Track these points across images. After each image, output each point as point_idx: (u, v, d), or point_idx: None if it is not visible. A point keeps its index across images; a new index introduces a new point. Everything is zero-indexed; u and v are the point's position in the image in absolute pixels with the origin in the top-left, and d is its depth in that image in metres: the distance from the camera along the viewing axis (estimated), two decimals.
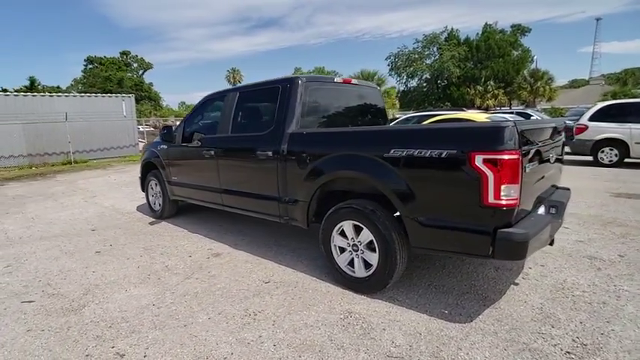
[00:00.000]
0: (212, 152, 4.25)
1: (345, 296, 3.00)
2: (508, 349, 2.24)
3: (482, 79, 34.56)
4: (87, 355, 2.31)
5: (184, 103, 68.47)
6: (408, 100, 39.37)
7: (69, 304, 2.99)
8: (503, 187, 2.22)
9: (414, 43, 39.90)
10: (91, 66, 61.66)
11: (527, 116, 17.40)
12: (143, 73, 68.12)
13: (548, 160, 2.80)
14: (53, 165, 13.70)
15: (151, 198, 5.83)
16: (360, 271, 3.03)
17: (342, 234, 3.11)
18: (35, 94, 14.40)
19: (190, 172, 4.81)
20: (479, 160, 2.25)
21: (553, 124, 2.78)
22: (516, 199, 2.27)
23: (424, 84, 40.07)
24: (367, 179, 2.84)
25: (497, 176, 2.21)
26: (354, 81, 4.17)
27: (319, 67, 62.61)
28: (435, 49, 38.80)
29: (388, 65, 39.56)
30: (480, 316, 2.65)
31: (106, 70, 59.52)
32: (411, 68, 38.40)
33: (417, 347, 2.30)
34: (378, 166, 2.74)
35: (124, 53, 65.51)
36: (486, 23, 38.64)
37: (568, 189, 3.55)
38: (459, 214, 2.42)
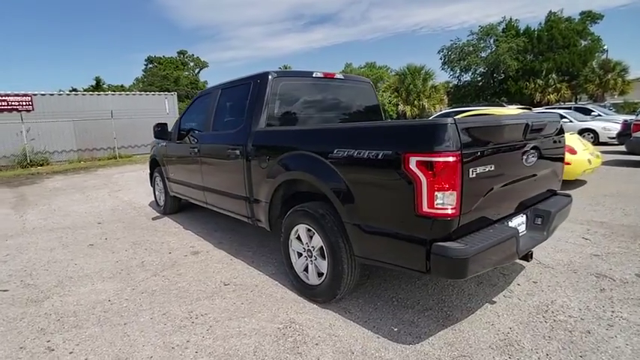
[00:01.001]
0: (196, 150, 4.30)
1: (296, 304, 2.86)
2: None
3: (543, 72, 31.77)
4: (21, 348, 2.42)
5: None
6: (461, 95, 37.44)
7: (35, 295, 3.18)
8: (437, 194, 1.94)
9: (469, 35, 37.73)
10: (151, 65, 66.24)
11: (587, 112, 15.70)
12: (199, 72, 72.07)
13: (523, 162, 2.42)
14: (100, 159, 14.94)
15: (157, 193, 6.07)
16: (313, 279, 2.86)
17: (299, 238, 2.96)
18: (84, 93, 15.76)
19: (182, 169, 4.92)
20: (413, 163, 1.99)
21: (525, 121, 2.38)
22: (454, 208, 1.97)
23: (479, 78, 37.83)
24: (313, 181, 2.66)
25: (431, 182, 1.94)
26: (338, 75, 3.96)
27: (370, 62, 61.99)
28: (491, 41, 36.42)
29: (440, 59, 37.90)
30: (431, 338, 2.37)
31: (164, 70, 63.58)
32: (465, 62, 36.42)
33: None
34: (322, 166, 2.56)
35: (181, 53, 69.72)
36: (550, 11, 35.42)
37: (568, 196, 3.07)
38: (396, 223, 2.17)
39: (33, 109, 13.95)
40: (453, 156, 1.90)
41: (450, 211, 1.96)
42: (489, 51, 36.55)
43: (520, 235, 2.53)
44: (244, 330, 2.53)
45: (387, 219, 2.21)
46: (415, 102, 25.48)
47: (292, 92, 3.60)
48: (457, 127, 1.92)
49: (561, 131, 2.98)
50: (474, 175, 2.01)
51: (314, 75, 3.74)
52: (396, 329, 2.49)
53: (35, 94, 14.08)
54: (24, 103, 13.77)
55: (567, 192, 3.20)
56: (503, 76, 35.25)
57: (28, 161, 13.49)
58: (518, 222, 2.58)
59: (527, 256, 2.54)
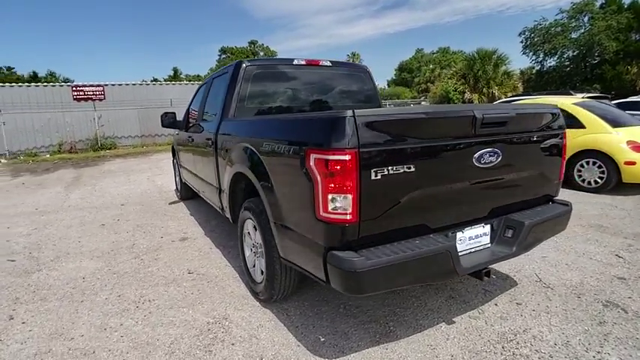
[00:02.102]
0: (191, 138, 4.45)
1: (241, 300, 2.82)
2: None
3: None
4: None
5: None
6: (544, 82, 33.53)
7: (31, 267, 3.59)
8: (331, 196, 1.73)
9: (557, 14, 33.45)
10: (224, 56, 70.29)
11: None
12: None
13: (473, 162, 2.04)
14: (160, 145, 16.34)
15: (176, 179, 6.45)
16: (257, 276, 2.80)
17: (249, 233, 2.91)
18: (149, 83, 17.21)
19: (185, 157, 5.14)
20: (312, 161, 1.81)
21: (470, 113, 1.97)
22: (351, 213, 1.74)
23: (566, 62, 33.50)
24: (249, 174, 2.57)
25: (325, 182, 1.74)
26: (324, 62, 3.76)
27: (443, 47, 58.52)
28: (584, 19, 31.92)
29: (521, 42, 34.28)
30: (352, 355, 2.17)
31: (232, 59, 66.95)
32: (550, 45, 32.46)
33: None
34: (255, 160, 2.46)
35: (251, 43, 72.95)
36: None
37: (566, 204, 2.57)
38: (304, 226, 2.00)
39: (105, 98, 15.73)
40: (347, 154, 1.67)
41: (347, 217, 1.75)
42: (582, 31, 32.09)
43: (476, 248, 2.20)
44: (176, 320, 2.58)
45: (297, 221, 2.06)
46: (484, 90, 23.43)
47: (267, 82, 3.51)
48: (355, 122, 1.68)
49: (560, 126, 2.48)
50: (378, 177, 1.74)
51: (295, 62, 3.60)
52: (322, 339, 2.33)
53: (107, 85, 15.86)
54: (97, 93, 15.59)
55: (567, 200, 2.68)
56: (597, 59, 30.80)
57: (99, 145, 15.31)
58: (476, 233, 2.22)
59: (482, 274, 2.19)
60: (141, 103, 16.13)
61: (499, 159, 2.11)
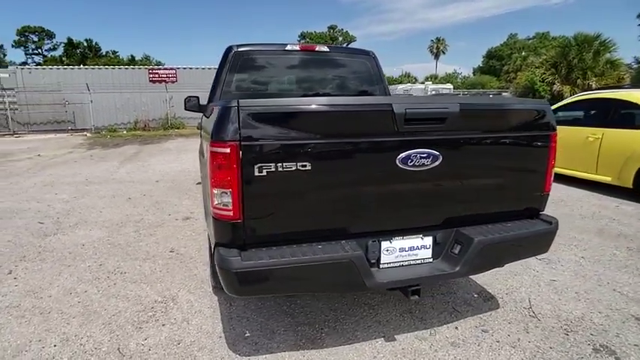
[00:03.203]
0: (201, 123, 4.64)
1: (198, 284, 2.90)
2: None
3: None
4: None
5: (386, 75, 71.07)
6: None
7: (51, 231, 4.10)
8: (215, 190, 1.67)
9: None
10: (303, 41, 71.72)
11: None
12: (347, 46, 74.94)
13: (397, 164, 1.78)
14: None
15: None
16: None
17: None
18: (199, 67, 18.09)
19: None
20: (207, 152, 1.78)
21: (389, 107, 1.68)
22: (233, 210, 1.66)
23: None
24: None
25: (212, 175, 1.68)
26: (321, 48, 3.61)
27: (542, 32, 52.49)
28: None
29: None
30: (266, 356, 2.10)
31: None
32: None
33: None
34: (202, 148, 2.47)
35: (331, 27, 73.33)
36: None
37: (549, 222, 2.14)
38: (209, 219, 1.98)
39: (176, 81, 17.13)
40: (227, 147, 1.59)
41: (230, 214, 1.67)
42: None
43: (410, 261, 1.97)
44: (130, 295, 2.75)
45: (207, 212, 2.04)
46: (578, 81, 20.49)
47: (256, 67, 3.48)
48: (239, 113, 1.58)
49: (546, 127, 2.06)
50: (263, 174, 1.63)
51: (287, 48, 3.50)
52: (248, 334, 2.30)
53: (178, 68, 17.24)
54: (170, 76, 17.06)
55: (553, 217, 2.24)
56: None
57: (169, 124, 16.82)
58: (411, 244, 1.97)
59: (408, 291, 1.95)
60: (209, 86, 17.18)
61: (438, 162, 1.82)
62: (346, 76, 3.80)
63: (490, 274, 3.03)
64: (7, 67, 28.83)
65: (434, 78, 54.78)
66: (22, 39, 52.89)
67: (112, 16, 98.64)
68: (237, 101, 1.59)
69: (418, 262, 1.99)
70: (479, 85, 41.86)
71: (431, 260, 2.01)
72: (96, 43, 51.92)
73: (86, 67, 18.62)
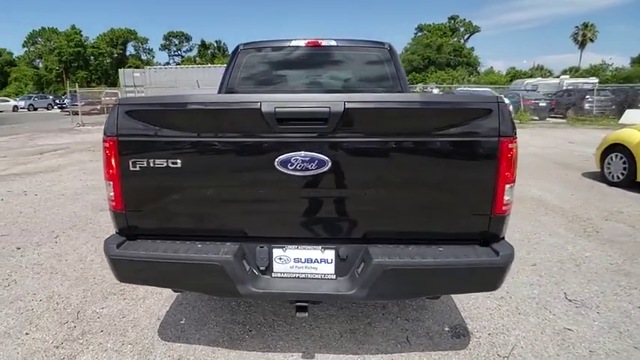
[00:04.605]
0: None
1: None
2: None
3: None
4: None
5: (514, 68, 64.22)
6: None
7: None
8: (105, 182, 1.80)
9: None
10: (420, 33, 69.10)
11: None
12: (468, 38, 69.75)
13: (276, 167, 1.64)
14: None
15: None
16: None
17: None
18: None
19: None
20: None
21: (256, 105, 1.55)
22: (115, 201, 1.76)
23: None
24: None
25: (104, 167, 1.81)
26: (328, 42, 3.44)
27: None
28: None
29: None
30: (181, 345, 2.18)
31: (428, 38, 64.94)
32: None
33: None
34: None
35: (452, 18, 69.18)
36: None
37: (496, 252, 1.69)
38: None
39: None
40: (108, 142, 1.70)
41: (113, 204, 1.79)
42: None
43: (308, 274, 1.82)
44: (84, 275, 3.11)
45: None
46: None
47: (259, 64, 3.51)
48: (118, 110, 1.68)
49: (493, 130, 1.63)
50: (137, 169, 1.68)
51: (292, 44, 3.46)
52: (183, 322, 2.42)
53: None
54: None
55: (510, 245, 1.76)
56: None
57: None
58: (309, 256, 1.79)
59: (301, 306, 1.80)
60: None
61: (326, 168, 1.62)
62: (355, 71, 3.57)
63: (486, 306, 2.57)
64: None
65: (574, 71, 47.00)
66: (167, 42, 63.94)
67: (237, 15, 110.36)
68: (119, 100, 1.70)
69: (318, 276, 1.80)
70: (636, 78, 34.32)
71: (334, 277, 1.80)
72: (224, 44, 59.23)
73: (197, 65, 21.33)
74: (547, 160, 8.34)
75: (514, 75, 55.55)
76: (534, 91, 24.02)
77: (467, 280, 1.71)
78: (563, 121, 19.37)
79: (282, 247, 1.80)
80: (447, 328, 2.36)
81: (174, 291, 2.05)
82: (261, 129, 1.60)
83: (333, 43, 3.44)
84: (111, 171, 1.73)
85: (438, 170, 1.67)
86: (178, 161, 1.67)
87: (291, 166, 1.62)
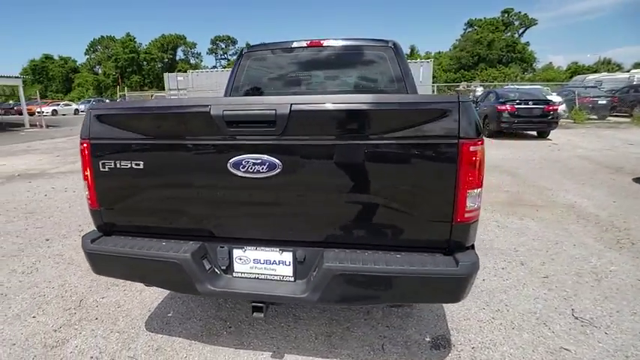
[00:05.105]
0: None
1: None
2: None
3: None
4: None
5: (576, 63, 59.76)
6: None
7: None
8: (83, 182, 1.96)
9: None
10: (470, 29, 66.43)
11: None
12: (523, 32, 66.00)
13: (229, 169, 1.70)
14: None
15: None
16: None
17: None
18: None
19: None
20: None
21: (205, 108, 1.62)
22: (90, 199, 1.93)
23: None
24: None
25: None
26: (329, 42, 3.43)
27: None
28: None
29: None
30: (162, 336, 2.31)
31: (478, 33, 62.22)
32: None
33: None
34: None
35: (505, 12, 65.76)
36: None
37: (456, 262, 1.61)
38: None
39: None
40: (83, 144, 1.86)
41: (89, 202, 1.94)
42: None
43: (268, 276, 1.87)
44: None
45: None
46: None
47: (263, 68, 3.59)
48: (90, 114, 1.84)
49: (447, 131, 1.55)
50: (106, 169, 1.82)
51: (293, 45, 3.50)
52: (171, 314, 2.55)
53: None
54: None
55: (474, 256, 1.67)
56: None
57: None
58: (267, 257, 1.82)
59: (256, 306, 1.84)
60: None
61: (277, 171, 1.65)
62: (357, 71, 3.54)
63: (478, 318, 2.46)
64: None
65: None
66: (214, 47, 66.83)
67: (283, 18, 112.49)
68: (92, 105, 1.85)
69: (277, 278, 1.84)
70: None
71: (292, 279, 1.83)
72: None
73: None
74: (595, 163, 7.70)
75: (575, 71, 51.69)
76: (596, 87, 22.16)
77: (422, 289, 1.66)
78: (627, 120, 17.71)
79: (241, 248, 1.85)
80: (428, 339, 2.29)
81: (146, 285, 2.19)
82: (213, 132, 1.67)
83: (335, 43, 3.45)
84: (86, 172, 1.88)
85: (394, 174, 1.64)
86: (141, 163, 1.79)
87: (243, 168, 1.68)
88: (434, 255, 1.69)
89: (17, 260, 3.44)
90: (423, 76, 18.37)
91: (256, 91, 3.59)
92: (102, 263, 1.93)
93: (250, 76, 3.59)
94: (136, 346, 2.23)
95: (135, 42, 62.02)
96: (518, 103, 11.20)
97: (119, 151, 1.82)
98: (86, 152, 1.85)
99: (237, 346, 2.22)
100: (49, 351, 2.20)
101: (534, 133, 12.05)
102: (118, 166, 1.81)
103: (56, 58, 63.78)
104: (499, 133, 11.65)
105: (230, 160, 1.68)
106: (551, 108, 11.17)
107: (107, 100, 40.64)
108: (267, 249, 1.82)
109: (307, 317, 2.50)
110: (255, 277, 1.86)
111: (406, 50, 65.28)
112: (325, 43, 3.43)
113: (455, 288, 1.63)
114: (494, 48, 59.26)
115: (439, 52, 69.86)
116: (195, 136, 1.74)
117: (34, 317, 2.55)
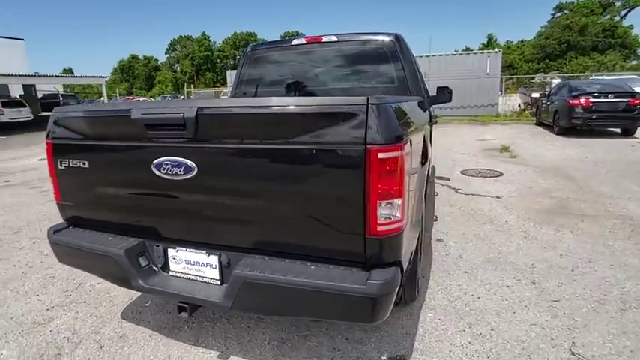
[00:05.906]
0: None
1: None
2: None
3: None
4: None
5: None
6: None
7: None
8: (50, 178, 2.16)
9: None
10: (559, 14, 60.14)
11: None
12: (626, 14, 58.10)
13: (153, 171, 1.75)
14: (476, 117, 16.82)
15: None
16: None
17: None
18: (447, 53, 17.70)
19: None
20: None
21: (127, 112, 1.69)
22: (55, 193, 2.12)
23: None
24: None
25: None
26: (329, 38, 3.32)
27: None
28: None
29: None
30: (133, 326, 2.46)
31: (568, 18, 56.16)
32: None
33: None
34: None
35: None
36: None
37: (363, 283, 1.47)
38: None
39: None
40: (47, 144, 2.04)
41: (54, 196, 2.12)
42: None
43: (198, 277, 1.90)
44: None
45: None
46: None
47: (264, 66, 3.61)
48: (52, 116, 2.01)
49: (354, 138, 1.42)
50: (63, 167, 1.99)
51: (294, 43, 3.47)
52: (147, 304, 2.70)
53: (427, 55, 17.66)
54: None
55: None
56: None
57: None
58: (197, 259, 1.85)
59: (181, 306, 1.86)
60: (453, 75, 16.74)
61: (193, 173, 1.65)
62: (360, 68, 3.38)
63: (453, 341, 2.26)
64: None
65: None
66: None
67: (351, 12, 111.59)
68: (56, 109, 2.03)
69: (205, 280, 1.85)
70: None
71: (218, 282, 1.83)
72: None
73: None
74: None
75: None
76: None
77: (330, 305, 1.55)
78: None
79: (174, 248, 1.90)
80: (384, 357, 2.14)
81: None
82: (137, 134, 1.74)
83: (334, 39, 3.36)
84: (50, 169, 2.07)
85: (303, 180, 1.55)
86: (86, 162, 1.93)
87: (163, 170, 1.72)
88: (351, 269, 1.57)
89: (45, 243, 3.90)
90: (490, 67, 17.06)
91: (262, 88, 3.65)
92: (61, 252, 2.12)
93: (255, 75, 3.65)
94: (105, 331, 2.40)
95: (209, 41, 66.29)
96: (595, 97, 9.89)
97: (71, 152, 1.98)
98: (49, 151, 2.04)
99: (192, 342, 2.28)
100: (34, 328, 2.47)
101: (618, 130, 10.59)
102: (70, 165, 1.98)
103: (141, 57, 70.72)
104: (571, 130, 10.42)
105: (153, 162, 1.73)
106: (637, 101, 9.70)
107: (181, 97, 44.10)
108: (196, 250, 1.85)
109: (270, 321, 2.48)
110: (186, 277, 1.90)
111: (483, 40, 60.93)
112: (325, 39, 3.36)
113: (363, 308, 1.50)
114: (588, 34, 52.98)
115: (522, 41, 64.35)
116: (124, 138, 1.83)
117: (37, 295, 2.87)
